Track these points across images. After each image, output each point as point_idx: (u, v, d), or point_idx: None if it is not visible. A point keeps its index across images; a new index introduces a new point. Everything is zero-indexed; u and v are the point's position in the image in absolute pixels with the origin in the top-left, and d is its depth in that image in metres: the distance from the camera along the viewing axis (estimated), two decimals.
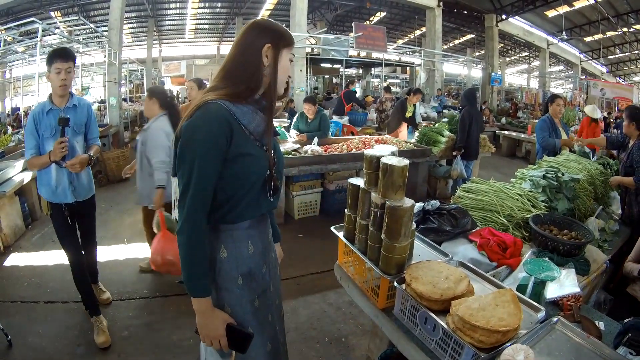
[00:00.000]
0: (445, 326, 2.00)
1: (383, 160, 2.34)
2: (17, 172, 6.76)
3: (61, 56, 3.74)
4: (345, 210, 2.79)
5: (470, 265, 2.66)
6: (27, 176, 6.72)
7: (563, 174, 4.13)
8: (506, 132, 15.60)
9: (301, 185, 7.21)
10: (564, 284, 2.79)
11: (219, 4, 28.21)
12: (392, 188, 2.30)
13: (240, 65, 1.97)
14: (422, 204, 3.50)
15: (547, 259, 2.77)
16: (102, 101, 16.42)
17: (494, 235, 3.13)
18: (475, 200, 3.85)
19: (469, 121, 7.52)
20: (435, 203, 3.50)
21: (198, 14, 28.49)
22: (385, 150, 2.60)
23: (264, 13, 28.01)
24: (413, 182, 7.65)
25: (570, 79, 31.19)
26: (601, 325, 2.45)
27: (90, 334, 4.00)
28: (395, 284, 2.31)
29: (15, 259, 5.63)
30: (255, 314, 2.11)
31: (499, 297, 2.06)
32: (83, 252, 4.24)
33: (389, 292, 2.46)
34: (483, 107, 17.84)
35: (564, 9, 21.18)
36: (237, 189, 1.96)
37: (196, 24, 31.22)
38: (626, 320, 2.38)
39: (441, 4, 18.95)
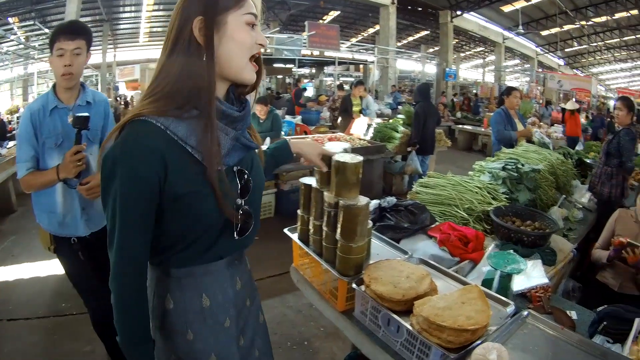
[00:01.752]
0: (410, 328, 1.90)
1: (335, 157, 2.19)
2: None
3: (65, 32, 2.72)
4: (298, 211, 2.65)
5: (432, 262, 2.58)
6: None
7: (523, 165, 4.14)
8: (461, 126, 16.00)
9: None
10: (531, 275, 2.76)
11: (173, 7, 27.90)
12: (345, 186, 2.17)
13: (178, 58, 1.44)
14: (377, 201, 3.42)
15: (511, 251, 2.72)
16: None
17: (455, 229, 3.07)
18: (433, 195, 3.80)
19: (423, 116, 7.60)
20: (391, 199, 3.43)
21: (152, 17, 28.01)
22: (338, 147, 2.46)
23: None
24: (368, 179, 7.56)
25: (526, 72, 31.92)
26: (573, 314, 2.43)
27: (53, 350, 3.85)
28: (354, 285, 2.21)
29: None
30: None
31: (465, 294, 1.98)
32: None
33: (348, 294, 2.37)
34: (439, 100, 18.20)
35: (520, 3, 21.79)
36: (182, 232, 1.54)
37: (150, 27, 30.75)
38: (600, 308, 2.40)
39: (395, 1, 19.17)
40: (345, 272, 2.24)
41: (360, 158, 2.20)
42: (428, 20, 27.14)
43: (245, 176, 1.63)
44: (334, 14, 29.53)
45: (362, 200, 2.18)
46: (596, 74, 39.19)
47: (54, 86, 2.91)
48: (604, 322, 2.23)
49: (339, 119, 10.60)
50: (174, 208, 1.47)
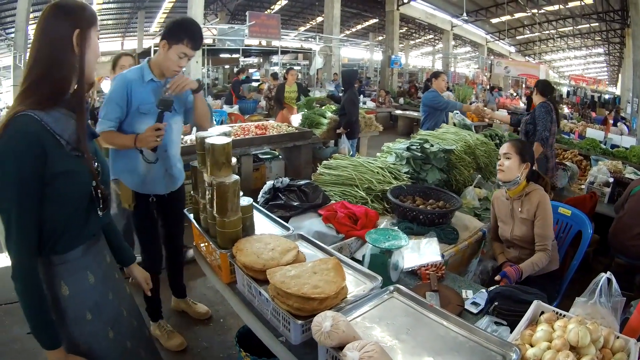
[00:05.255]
0: (266, 294, 2.01)
1: (207, 140, 2.43)
2: None
3: (195, 40, 3.08)
4: (191, 191, 2.86)
5: (310, 237, 2.66)
6: None
7: (432, 145, 4.18)
8: (400, 112, 16.31)
9: None
10: (424, 253, 2.82)
11: None
12: (216, 166, 2.39)
13: (48, 61, 1.67)
14: (272, 182, 3.54)
15: (396, 228, 2.76)
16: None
17: (346, 208, 3.13)
18: (335, 175, 3.88)
19: (352, 101, 7.66)
20: (285, 180, 3.54)
21: (103, 9, 27.49)
22: (218, 131, 2.67)
23: (166, 6, 27.67)
24: (296, 165, 7.73)
25: (475, 59, 32.32)
26: (469, 293, 2.49)
27: (3, 335, 3.92)
28: (229, 257, 2.36)
29: None
30: (113, 347, 1.93)
31: (320, 265, 2.06)
32: (164, 254, 3.79)
33: (231, 267, 2.46)
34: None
35: None
36: (61, 212, 1.73)
37: (101, 20, 30.23)
38: (491, 288, 2.45)
39: None
40: (223, 245, 2.44)
41: (227, 139, 2.43)
42: (375, 8, 27.27)
43: (96, 161, 1.88)
44: (281, 3, 29.48)
45: (232, 178, 2.35)
46: (549, 62, 39.98)
47: (149, 61, 3.26)
48: (495, 302, 2.27)
49: (275, 107, 10.69)
50: (53, 188, 1.67)
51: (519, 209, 3.32)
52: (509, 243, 3.45)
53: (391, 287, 2.13)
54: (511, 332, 2.01)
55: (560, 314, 2.06)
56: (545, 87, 5.53)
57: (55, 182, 1.66)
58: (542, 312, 2.11)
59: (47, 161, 1.62)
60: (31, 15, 15.46)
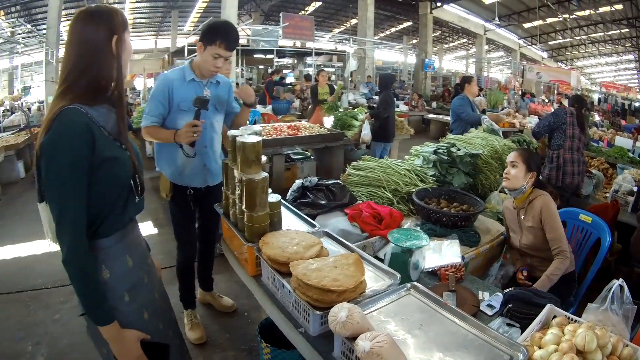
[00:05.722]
0: (288, 286, 2.08)
1: (238, 139, 2.52)
2: None
3: (228, 41, 3.24)
4: (222, 187, 2.95)
5: (335, 234, 2.73)
6: None
7: (459, 149, 4.21)
8: (433, 116, 16.13)
9: None
10: (445, 254, 2.88)
11: None
12: (246, 163, 2.48)
13: (87, 64, 1.78)
14: (301, 181, 3.62)
15: (418, 228, 2.82)
16: (42, 101, 16.04)
17: (372, 208, 3.19)
18: (363, 176, 3.93)
19: (386, 104, 7.62)
20: (314, 179, 3.62)
21: (136, 8, 27.84)
22: (250, 130, 2.74)
23: (199, 5, 27.90)
24: (328, 166, 7.73)
25: (508, 64, 31.93)
26: (486, 295, 2.52)
27: (28, 319, 4.22)
28: (255, 250, 2.43)
29: None
30: (147, 327, 2.00)
31: (341, 260, 2.12)
32: (198, 246, 3.98)
33: (257, 261, 2.53)
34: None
35: None
36: (106, 197, 1.84)
37: (134, 18, 30.56)
38: (506, 290, 2.46)
39: None
40: (250, 239, 2.52)
41: (257, 138, 2.52)
42: (409, 11, 27.11)
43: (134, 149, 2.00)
44: (315, 4, 29.49)
45: (261, 175, 2.45)
46: (581, 68, 39.33)
47: (191, 63, 3.45)
48: (509, 305, 2.30)
49: (309, 108, 10.78)
50: (101, 172, 1.78)
51: (524, 217, 3.34)
52: (519, 252, 3.46)
53: (408, 285, 2.18)
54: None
55: (572, 319, 2.08)
56: (573, 99, 5.69)
57: (103, 166, 1.77)
58: (555, 316, 2.12)
59: (96, 148, 1.73)
60: (63, 13, 15.72)
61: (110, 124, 1.87)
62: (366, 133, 7.66)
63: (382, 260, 2.54)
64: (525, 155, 3.34)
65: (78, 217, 1.71)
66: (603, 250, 3.34)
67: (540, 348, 1.86)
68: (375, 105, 8.45)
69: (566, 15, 24.11)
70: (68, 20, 25.19)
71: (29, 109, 14.71)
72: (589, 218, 3.57)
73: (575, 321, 2.05)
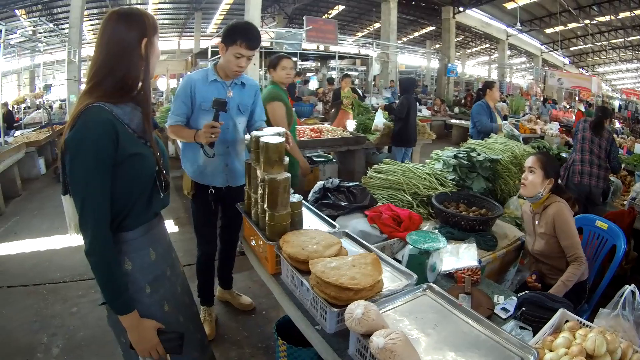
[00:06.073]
0: (307, 283, 2.12)
1: (261, 139, 2.58)
2: None
3: (249, 40, 3.26)
4: (245, 187, 3.01)
5: (354, 235, 2.77)
6: None
7: (479, 154, 4.22)
8: (455, 121, 16.04)
9: None
10: (462, 257, 2.90)
11: None
12: (269, 163, 2.53)
13: (115, 64, 1.84)
14: (322, 182, 3.68)
15: (436, 231, 2.85)
16: (64, 99, 16.25)
17: (391, 210, 3.22)
18: (383, 179, 3.97)
19: (407, 106, 7.58)
20: (335, 181, 3.67)
21: (159, 9, 28.05)
22: (273, 131, 2.82)
23: (223, 7, 27.97)
24: (350, 169, 7.78)
25: (530, 70, 31.66)
26: (501, 299, 2.54)
27: (45, 311, 4.32)
28: (276, 249, 2.48)
29: None
30: (166, 319, 2.05)
31: (359, 259, 2.16)
32: (218, 245, 4.00)
33: (277, 259, 2.58)
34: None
35: (522, 0, 21.52)
36: (129, 192, 1.90)
37: (157, 19, 30.86)
38: (521, 294, 2.47)
39: None
40: (271, 237, 2.57)
41: (280, 139, 2.58)
42: (432, 16, 27.00)
43: (158, 149, 2.05)
44: (339, 8, 29.51)
45: (283, 175, 2.50)
46: (602, 74, 38.89)
47: (216, 64, 3.51)
48: (523, 308, 2.32)
49: (332, 111, 10.80)
50: (125, 168, 1.84)
51: (537, 222, 3.33)
52: (532, 257, 3.46)
53: (424, 285, 2.21)
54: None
55: (584, 324, 2.08)
56: (598, 109, 5.93)
57: (127, 162, 1.83)
58: (567, 321, 2.13)
59: (119, 144, 1.79)
60: (85, 13, 15.90)
61: (135, 122, 1.92)
62: (379, 120, 7.73)
63: (400, 262, 2.55)
64: (543, 160, 3.28)
65: (100, 210, 1.77)
66: (618, 257, 3.32)
67: (551, 351, 1.87)
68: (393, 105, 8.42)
69: (587, 21, 23.84)
70: (90, 20, 25.54)
71: (51, 107, 14.94)
72: (605, 225, 3.55)
73: (587, 326, 2.05)
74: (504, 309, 2.43)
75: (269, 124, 4.08)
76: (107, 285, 1.81)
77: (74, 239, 1.78)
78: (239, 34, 3.24)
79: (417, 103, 10.07)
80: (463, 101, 20.37)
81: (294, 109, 11.84)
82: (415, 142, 8.14)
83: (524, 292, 2.48)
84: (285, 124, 4.55)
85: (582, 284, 3.23)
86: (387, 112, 8.04)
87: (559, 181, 3.36)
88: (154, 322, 1.94)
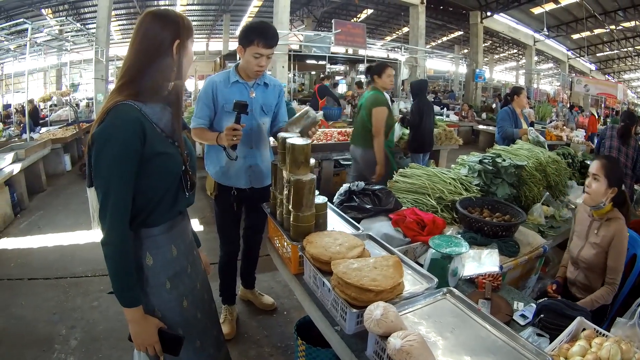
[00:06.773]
0: (329, 284, 2.13)
1: (287, 140, 2.61)
2: (7, 164, 7.10)
3: (266, 39, 3.25)
4: (271, 187, 3.06)
5: (378, 238, 2.78)
6: (16, 168, 7.10)
7: (504, 160, 4.18)
8: (483, 127, 15.90)
9: None
10: (484, 263, 2.90)
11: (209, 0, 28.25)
12: (295, 164, 2.56)
13: (147, 63, 1.87)
14: (348, 185, 3.69)
15: (459, 236, 2.85)
16: (91, 98, 16.54)
17: (415, 214, 3.22)
18: (409, 183, 3.96)
19: (419, 113, 7.44)
20: (360, 184, 3.67)
21: (187, 10, 28.28)
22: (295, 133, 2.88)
23: (251, 10, 28.18)
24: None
25: (557, 76, 31.29)
26: (520, 305, 2.53)
27: (65, 304, 4.41)
28: (299, 249, 2.49)
29: (4, 244, 6.03)
30: (183, 315, 2.10)
31: (381, 261, 2.17)
32: (241, 245, 4.03)
33: (300, 259, 2.59)
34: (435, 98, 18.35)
35: (549, 5, 21.25)
36: (155, 189, 1.93)
37: None
38: (540, 300, 2.47)
39: (425, 1, 19.03)
40: (295, 237, 2.59)
41: (307, 141, 2.61)
42: (460, 20, 26.84)
43: (186, 149, 2.09)
44: (367, 12, 29.54)
45: (309, 176, 2.53)
46: (627, 81, 38.27)
47: (237, 66, 3.50)
48: (541, 315, 2.30)
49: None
50: (152, 165, 1.87)
51: (595, 232, 3.20)
52: (573, 260, 3.36)
53: (444, 289, 2.21)
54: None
55: (601, 333, 2.07)
56: (624, 114, 5.92)
57: (154, 160, 1.87)
58: (584, 329, 2.12)
59: (146, 142, 1.82)
60: (112, 13, 16.09)
61: (164, 121, 1.96)
62: (397, 135, 7.68)
63: (422, 266, 2.55)
64: (607, 167, 3.11)
65: (121, 203, 1.79)
66: (638, 265, 3.27)
67: (566, 359, 1.87)
68: (406, 115, 8.27)
69: (612, 26, 23.48)
70: (118, 20, 25.81)
71: (78, 105, 15.17)
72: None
73: (604, 335, 2.04)
74: (522, 315, 2.42)
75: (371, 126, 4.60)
76: (117, 276, 1.83)
77: (99, 234, 1.82)
78: (256, 33, 3.24)
79: (439, 106, 9.90)
80: (494, 106, 20.20)
81: (321, 111, 11.94)
82: (432, 147, 7.95)
83: (543, 299, 2.47)
84: (383, 127, 5.15)
85: (604, 309, 3.13)
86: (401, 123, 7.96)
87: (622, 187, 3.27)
88: (156, 321, 1.96)
